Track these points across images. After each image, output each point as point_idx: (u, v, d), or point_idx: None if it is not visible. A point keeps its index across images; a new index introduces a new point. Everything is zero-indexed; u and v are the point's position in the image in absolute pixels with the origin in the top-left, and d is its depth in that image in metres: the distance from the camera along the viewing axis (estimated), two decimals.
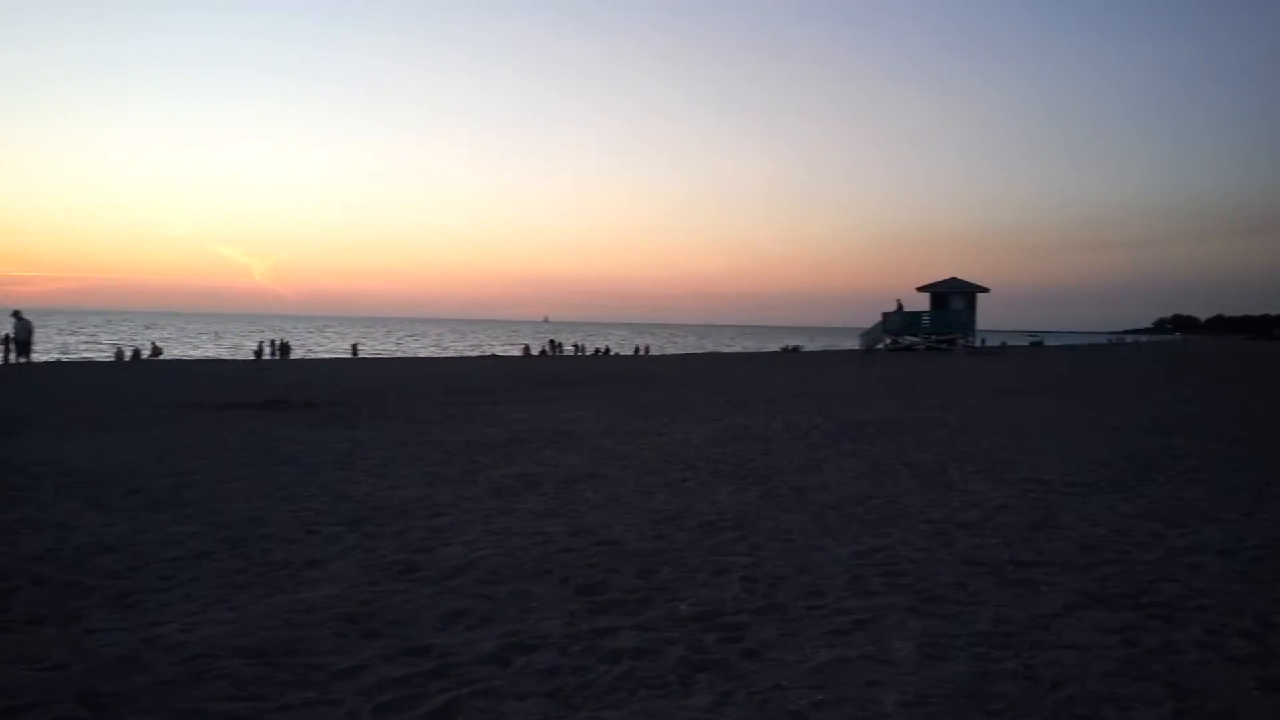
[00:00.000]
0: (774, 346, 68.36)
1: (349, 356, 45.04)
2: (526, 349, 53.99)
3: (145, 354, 38.25)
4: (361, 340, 64.49)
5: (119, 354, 37.87)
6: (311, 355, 47.77)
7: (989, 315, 54.08)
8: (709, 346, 72.03)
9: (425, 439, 10.65)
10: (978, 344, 52.31)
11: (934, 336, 49.52)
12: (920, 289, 51.76)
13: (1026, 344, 76.85)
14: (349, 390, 18.68)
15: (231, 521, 6.29)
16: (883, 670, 3.70)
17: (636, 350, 56.82)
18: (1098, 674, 3.67)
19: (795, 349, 59.98)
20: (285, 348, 43.03)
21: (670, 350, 59.77)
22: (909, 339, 49.95)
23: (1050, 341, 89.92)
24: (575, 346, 53.69)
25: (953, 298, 50.66)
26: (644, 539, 5.84)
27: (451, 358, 45.47)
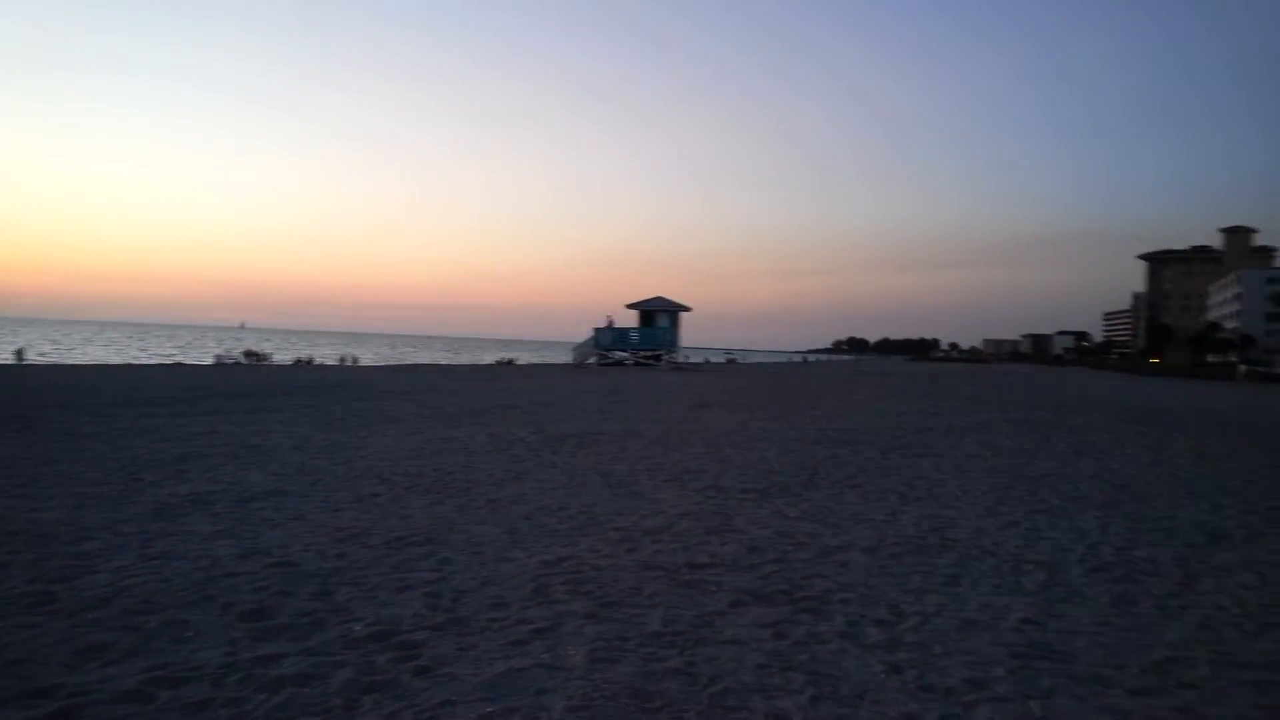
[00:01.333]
0: (489, 359, 68.17)
1: (8, 362, 39.34)
2: (219, 357, 49.96)
3: None
4: (22, 344, 56.52)
5: None
6: None
7: (691, 333, 57.51)
8: (421, 358, 70.46)
9: (81, 455, 9.49)
10: (681, 360, 55.25)
11: (641, 352, 51.74)
12: (629, 306, 53.98)
13: (724, 361, 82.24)
14: None
15: None
16: (554, 677, 3.76)
17: (342, 360, 54.37)
18: (750, 666, 3.95)
19: (509, 362, 60.12)
20: None
21: (381, 361, 57.75)
22: (618, 354, 51.84)
23: (744, 359, 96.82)
24: (255, 356, 50.33)
25: (659, 315, 53.30)
26: (324, 558, 5.56)
27: (130, 365, 41.07)
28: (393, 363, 55.74)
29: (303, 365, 46.97)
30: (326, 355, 60.30)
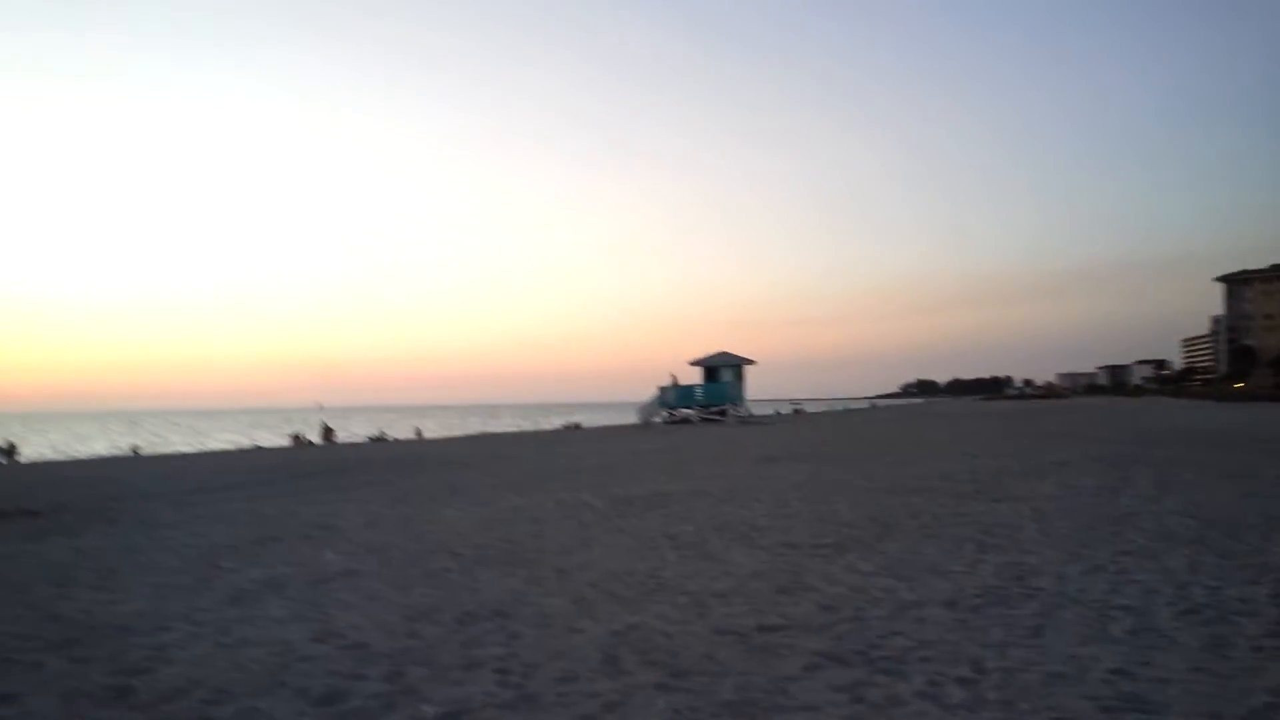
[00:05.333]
0: (554, 424, 68.57)
1: (86, 456, 40.86)
2: (295, 437, 51.17)
3: None
4: (107, 436, 58.69)
5: None
6: (46, 457, 42.93)
7: (757, 385, 57.34)
8: (489, 427, 71.16)
9: (161, 544, 9.75)
10: (747, 413, 54.92)
11: (707, 408, 51.62)
12: (693, 363, 54.14)
13: (790, 411, 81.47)
14: (81, 493, 16.87)
15: None
16: None
17: (415, 435, 55.24)
18: None
19: (575, 426, 60.40)
20: (10, 449, 38.44)
21: (451, 432, 58.50)
22: (684, 411, 51.81)
23: (810, 408, 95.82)
24: (326, 434, 51.23)
25: (723, 370, 53.35)
26: (395, 638, 5.58)
27: (209, 451, 42.28)
28: (460, 434, 56.42)
29: (375, 441, 47.82)
30: (399, 430, 61.33)
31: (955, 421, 44.48)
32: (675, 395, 52.05)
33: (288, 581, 7.45)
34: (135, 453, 43.23)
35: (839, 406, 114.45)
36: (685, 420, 50.95)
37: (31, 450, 44.75)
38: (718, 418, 50.74)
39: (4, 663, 5.26)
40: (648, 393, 53.55)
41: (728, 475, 16.11)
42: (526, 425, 70.50)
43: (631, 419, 56.54)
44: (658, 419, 51.64)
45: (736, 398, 52.84)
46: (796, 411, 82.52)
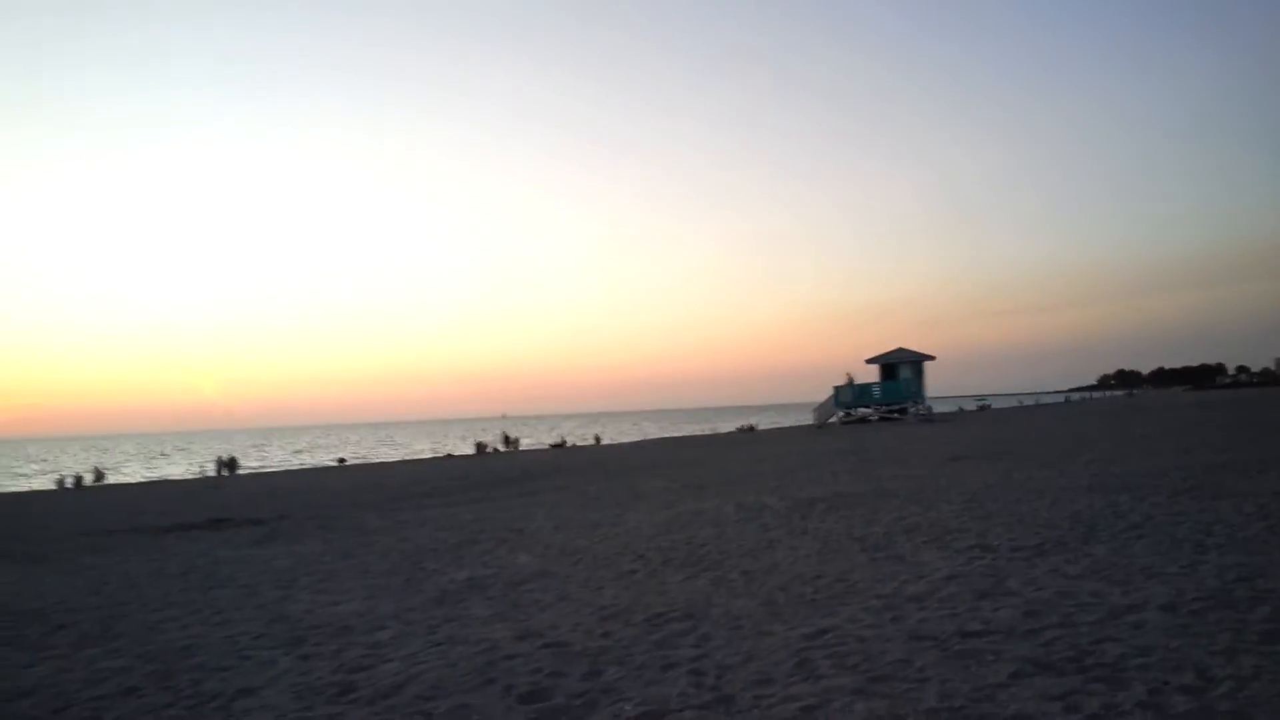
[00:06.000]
0: (729, 427, 68.55)
1: (299, 468, 44.17)
2: (481, 446, 53.44)
3: (88, 480, 37.10)
4: (316, 449, 63.31)
5: (60, 481, 36.74)
6: (264, 469, 46.75)
7: (938, 382, 55.40)
8: (666, 431, 71.98)
9: (371, 548, 10.44)
10: (928, 411, 53.09)
11: (885, 406, 50.23)
12: (869, 361, 52.86)
13: (975, 408, 78.07)
14: (298, 503, 18.30)
15: (163, 652, 6.07)
16: None
17: (598, 440, 56.55)
18: None
19: (750, 428, 60.15)
20: (232, 463, 42.09)
21: (627, 438, 59.57)
22: (861, 410, 50.63)
23: (998, 404, 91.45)
24: (509, 442, 53.06)
25: (901, 367, 51.79)
26: (591, 637, 5.74)
27: (406, 460, 44.82)
28: (638, 439, 57.33)
29: (557, 448, 49.31)
30: (578, 436, 62.98)
31: (1161, 414, 41.35)
32: (851, 394, 50.92)
33: (488, 583, 7.81)
34: (341, 463, 46.38)
35: (1029, 401, 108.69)
36: (863, 420, 49.78)
37: (250, 464, 48.82)
38: (897, 416, 49.29)
39: (242, 659, 5.78)
40: (824, 393, 52.70)
41: (912, 475, 15.62)
42: (702, 429, 70.82)
43: (806, 420, 55.80)
44: (833, 419, 50.68)
45: (916, 395, 51.15)
46: (981, 408, 79.00)
